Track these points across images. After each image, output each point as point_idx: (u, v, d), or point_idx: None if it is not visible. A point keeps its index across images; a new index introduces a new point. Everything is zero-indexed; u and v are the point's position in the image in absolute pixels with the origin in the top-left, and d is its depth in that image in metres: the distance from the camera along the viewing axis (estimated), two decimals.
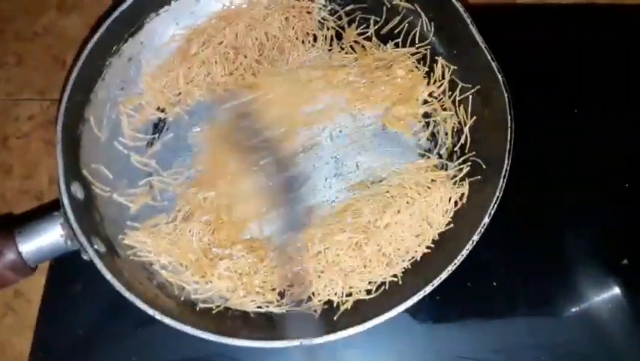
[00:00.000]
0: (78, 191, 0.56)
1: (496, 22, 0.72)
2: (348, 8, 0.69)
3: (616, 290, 0.62)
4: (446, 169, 0.63)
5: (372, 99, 0.66)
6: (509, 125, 0.56)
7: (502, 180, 0.54)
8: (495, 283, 0.62)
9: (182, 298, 0.58)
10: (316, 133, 0.66)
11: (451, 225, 0.59)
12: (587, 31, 0.74)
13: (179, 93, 0.66)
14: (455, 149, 0.64)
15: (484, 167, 0.60)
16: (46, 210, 0.56)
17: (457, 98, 0.64)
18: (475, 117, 0.63)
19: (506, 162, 0.55)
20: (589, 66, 0.72)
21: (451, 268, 0.51)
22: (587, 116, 0.70)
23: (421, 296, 0.51)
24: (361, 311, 0.55)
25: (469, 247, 0.52)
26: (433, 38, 0.66)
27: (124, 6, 0.61)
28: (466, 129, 0.63)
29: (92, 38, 0.59)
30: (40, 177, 0.71)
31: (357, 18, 0.69)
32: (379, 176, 0.63)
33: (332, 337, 0.51)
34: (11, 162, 0.72)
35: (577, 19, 0.76)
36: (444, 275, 0.51)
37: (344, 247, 0.58)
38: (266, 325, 0.57)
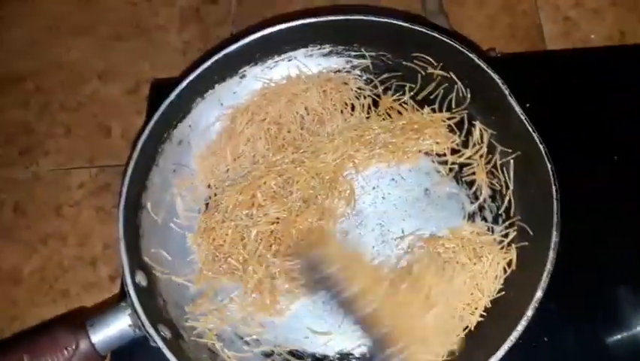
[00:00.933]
0: (142, 280, 0.59)
1: (527, 70, 0.74)
2: (383, 77, 0.71)
3: None
4: (492, 232, 0.64)
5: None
6: (555, 196, 0.57)
7: (551, 252, 0.55)
8: (546, 339, 0.63)
9: None
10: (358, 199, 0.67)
11: (502, 292, 0.60)
12: (618, 74, 0.74)
13: (227, 170, 0.68)
14: (500, 212, 0.64)
15: (530, 233, 0.61)
16: (113, 301, 0.59)
17: (499, 162, 0.65)
18: (518, 181, 0.64)
19: (554, 234, 0.55)
20: (624, 109, 0.72)
21: (507, 345, 0.52)
22: (627, 161, 0.70)
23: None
24: None
25: (524, 322, 0.53)
26: (470, 104, 0.67)
27: (172, 96, 0.63)
28: (509, 192, 0.64)
29: (144, 130, 0.62)
30: (93, 243, 0.74)
31: (393, 86, 0.70)
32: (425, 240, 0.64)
33: None
34: (66, 230, 0.75)
35: (608, 62, 0.76)
36: (500, 353, 0.52)
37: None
38: None
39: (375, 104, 0.70)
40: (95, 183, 0.77)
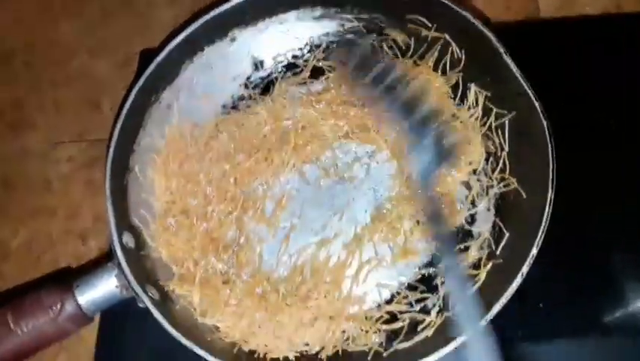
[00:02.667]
0: (129, 240, 0.58)
1: (521, 38, 0.72)
2: (375, 41, 0.70)
3: None
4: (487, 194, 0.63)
5: None
6: (550, 154, 0.56)
7: (547, 208, 0.55)
8: (542, 305, 0.62)
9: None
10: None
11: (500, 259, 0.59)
12: (613, 42, 0.74)
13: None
14: (495, 175, 0.64)
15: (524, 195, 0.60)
16: (99, 261, 0.58)
17: (494, 124, 0.64)
18: (513, 143, 0.63)
19: (550, 191, 0.55)
20: (619, 77, 0.72)
21: (502, 300, 0.52)
22: (623, 128, 0.69)
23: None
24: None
25: (519, 279, 0.52)
26: (465, 67, 0.67)
27: (160, 57, 0.62)
28: (504, 154, 0.63)
29: (131, 91, 0.61)
30: (83, 216, 0.73)
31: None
32: None
33: None
34: (55, 203, 0.74)
35: (603, 31, 0.75)
36: (496, 308, 0.52)
37: None
38: None
39: None
40: (84, 156, 0.76)
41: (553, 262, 0.61)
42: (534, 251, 0.53)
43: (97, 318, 0.64)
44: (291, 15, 0.69)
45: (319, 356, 0.58)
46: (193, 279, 0.59)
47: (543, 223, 0.54)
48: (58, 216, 0.73)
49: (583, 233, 0.65)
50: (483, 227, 0.62)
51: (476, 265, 0.60)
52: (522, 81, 0.59)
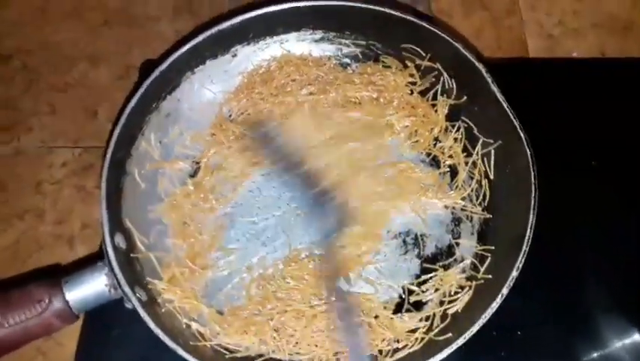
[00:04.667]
0: (121, 242, 0.59)
1: (510, 75, 0.75)
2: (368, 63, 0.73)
3: (637, 338, 0.63)
4: (471, 221, 0.66)
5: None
6: (533, 181, 0.58)
7: (528, 232, 0.57)
8: (520, 333, 0.64)
9: (219, 348, 0.59)
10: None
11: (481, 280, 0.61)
12: (599, 83, 0.77)
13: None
14: (479, 201, 0.66)
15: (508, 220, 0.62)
16: (89, 260, 0.58)
17: (480, 152, 0.67)
18: (498, 172, 0.66)
19: (531, 215, 0.57)
20: (604, 118, 0.75)
21: (482, 321, 0.53)
22: (604, 168, 0.72)
23: (453, 349, 0.53)
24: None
25: (498, 300, 0.54)
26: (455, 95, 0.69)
27: (163, 66, 0.64)
28: (490, 182, 0.66)
29: (133, 97, 0.62)
30: (72, 222, 0.73)
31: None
32: None
33: None
34: (44, 207, 0.74)
35: (589, 73, 0.79)
36: (475, 328, 0.53)
37: None
38: None
39: None
40: (77, 162, 0.77)
41: (532, 292, 0.64)
42: (514, 274, 0.55)
43: (79, 323, 0.64)
44: (292, 36, 0.72)
45: None
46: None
47: (524, 247, 0.56)
48: (47, 220, 0.73)
49: (560, 264, 0.67)
50: (466, 252, 0.64)
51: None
52: (508, 111, 0.62)
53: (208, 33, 0.65)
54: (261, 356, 0.59)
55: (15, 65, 0.83)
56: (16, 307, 0.54)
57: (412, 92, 0.71)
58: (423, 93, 0.71)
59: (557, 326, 0.64)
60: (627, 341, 0.64)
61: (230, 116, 0.71)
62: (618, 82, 0.77)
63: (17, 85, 0.82)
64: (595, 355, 0.63)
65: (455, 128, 0.69)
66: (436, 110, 0.69)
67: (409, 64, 0.71)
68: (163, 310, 0.59)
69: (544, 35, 0.86)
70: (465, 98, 0.68)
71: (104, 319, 0.64)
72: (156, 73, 0.63)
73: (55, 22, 0.86)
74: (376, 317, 0.61)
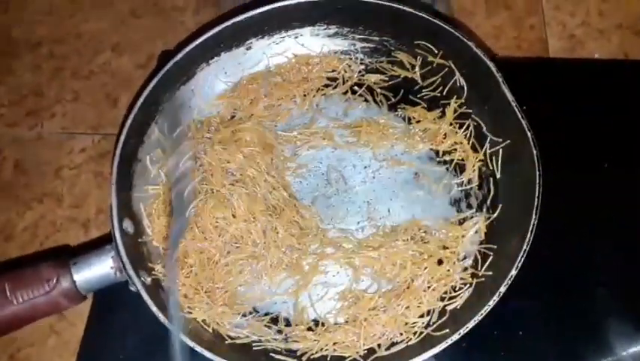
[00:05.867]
0: (129, 226, 0.60)
1: (529, 75, 0.75)
2: (383, 63, 0.74)
3: None
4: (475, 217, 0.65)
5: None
6: (537, 181, 0.58)
7: (529, 233, 0.56)
8: (521, 333, 0.63)
9: (219, 332, 0.61)
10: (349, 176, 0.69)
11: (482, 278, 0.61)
12: (617, 87, 0.76)
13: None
14: (487, 202, 0.66)
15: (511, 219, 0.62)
16: (99, 243, 0.60)
17: (488, 151, 0.67)
18: (505, 170, 0.65)
19: (533, 216, 0.57)
20: (619, 121, 0.74)
21: (477, 318, 0.53)
22: (617, 170, 0.71)
23: (448, 344, 0.54)
24: (390, 355, 0.58)
25: (495, 298, 0.54)
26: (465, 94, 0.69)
27: (178, 56, 0.65)
28: (496, 180, 0.66)
29: (147, 86, 0.64)
30: (88, 206, 0.75)
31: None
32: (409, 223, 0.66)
33: None
34: (63, 191, 0.76)
35: (609, 74, 0.78)
36: (470, 324, 0.53)
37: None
38: None
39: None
40: (96, 149, 0.79)
41: (537, 293, 0.64)
42: (513, 272, 0.55)
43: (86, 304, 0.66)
44: (306, 30, 0.73)
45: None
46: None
47: (524, 247, 0.56)
48: (65, 204, 0.75)
49: (568, 266, 0.66)
50: (469, 249, 0.64)
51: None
52: (517, 110, 0.61)
53: (224, 25, 0.67)
54: (259, 342, 0.60)
55: (43, 52, 0.85)
56: (26, 285, 0.56)
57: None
58: (433, 89, 0.71)
59: (561, 329, 0.64)
60: (634, 349, 0.63)
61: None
62: (637, 85, 0.76)
63: (44, 72, 0.84)
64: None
65: (465, 127, 0.68)
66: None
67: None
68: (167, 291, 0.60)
69: (565, 36, 0.84)
70: (476, 96, 0.68)
71: (112, 302, 0.66)
72: (171, 63, 0.65)
73: (85, 11, 0.88)
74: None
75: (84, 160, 0.78)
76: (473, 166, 0.66)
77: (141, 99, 0.63)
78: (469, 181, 0.67)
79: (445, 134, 0.68)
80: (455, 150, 0.68)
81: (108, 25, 0.87)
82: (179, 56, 0.65)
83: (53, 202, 0.75)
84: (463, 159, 0.68)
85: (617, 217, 0.69)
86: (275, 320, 0.62)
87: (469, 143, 0.68)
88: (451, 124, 0.68)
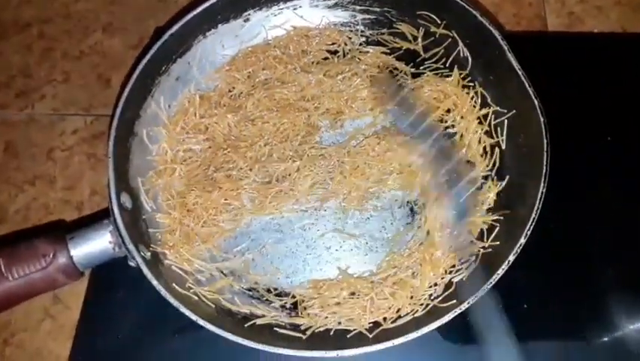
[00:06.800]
0: (127, 201, 0.59)
1: (528, 49, 0.74)
2: (384, 35, 0.72)
3: None
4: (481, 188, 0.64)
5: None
6: (545, 149, 0.57)
7: (537, 202, 0.55)
8: (526, 306, 0.62)
9: (221, 307, 0.60)
10: None
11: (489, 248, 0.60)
12: (618, 60, 0.76)
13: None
14: (492, 173, 0.65)
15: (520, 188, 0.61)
16: (96, 218, 0.58)
17: (493, 123, 0.66)
18: (511, 141, 0.64)
19: (542, 185, 0.56)
20: (621, 94, 0.73)
21: (486, 286, 0.52)
22: (620, 143, 0.70)
23: (453, 315, 0.53)
24: (396, 328, 0.57)
25: (504, 266, 0.53)
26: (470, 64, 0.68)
27: (174, 28, 0.64)
28: (501, 150, 0.65)
29: (143, 58, 0.62)
30: (81, 188, 0.73)
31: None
32: None
33: (366, 349, 0.53)
34: (55, 173, 0.74)
35: (608, 47, 0.77)
36: (480, 293, 0.52)
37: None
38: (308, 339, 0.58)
39: None
40: (89, 130, 0.77)
41: (541, 266, 0.63)
42: (522, 241, 0.54)
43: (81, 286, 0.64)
44: (305, 2, 0.72)
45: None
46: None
47: (533, 215, 0.55)
48: (57, 186, 0.74)
49: (572, 239, 0.66)
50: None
51: None
52: (523, 79, 0.60)
53: None
54: (262, 316, 0.59)
55: (32, 33, 0.84)
56: (21, 260, 0.55)
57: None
58: (436, 61, 0.70)
59: (565, 303, 0.63)
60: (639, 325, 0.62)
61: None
62: (637, 58, 0.75)
63: (33, 53, 0.82)
64: (604, 337, 0.62)
65: (470, 97, 0.67)
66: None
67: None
68: (168, 269, 0.59)
69: (564, 13, 0.84)
70: (480, 66, 0.67)
71: (108, 280, 0.64)
72: (166, 36, 0.63)
73: None
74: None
75: (76, 142, 0.76)
76: (479, 137, 0.66)
77: (137, 71, 0.61)
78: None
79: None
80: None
81: (98, 5, 0.86)
82: (176, 27, 0.64)
83: (46, 184, 0.74)
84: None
85: (620, 190, 0.68)
86: (278, 295, 0.61)
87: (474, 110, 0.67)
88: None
